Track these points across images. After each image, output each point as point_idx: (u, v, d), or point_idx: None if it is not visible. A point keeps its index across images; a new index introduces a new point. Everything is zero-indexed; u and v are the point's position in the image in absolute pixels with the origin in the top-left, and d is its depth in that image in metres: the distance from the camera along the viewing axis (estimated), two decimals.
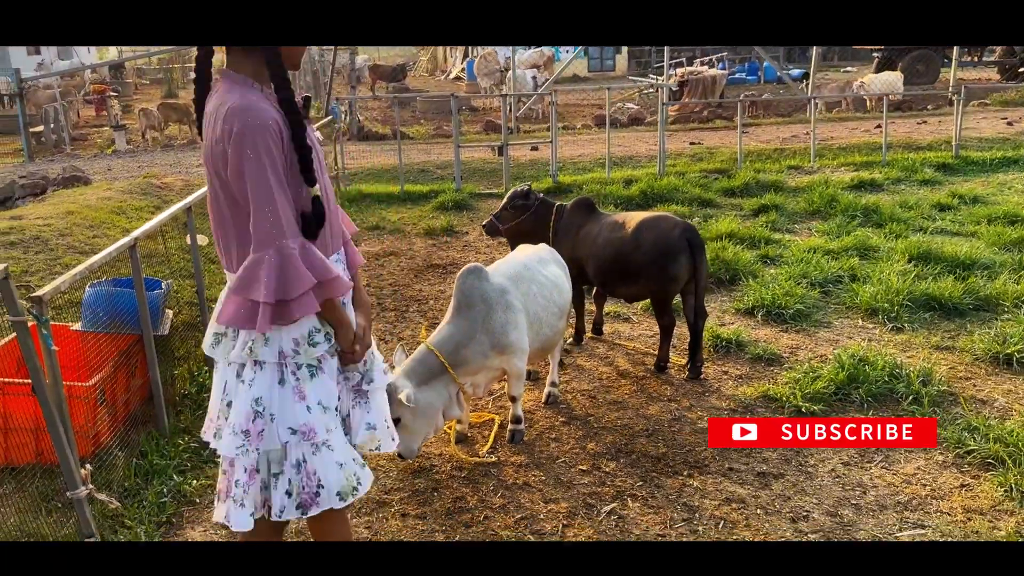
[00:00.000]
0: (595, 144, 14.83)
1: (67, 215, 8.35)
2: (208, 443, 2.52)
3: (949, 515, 3.64)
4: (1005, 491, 3.77)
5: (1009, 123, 15.35)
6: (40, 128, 18.19)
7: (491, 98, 22.23)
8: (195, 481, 4.03)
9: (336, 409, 2.45)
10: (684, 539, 3.52)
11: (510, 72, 20.62)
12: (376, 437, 2.60)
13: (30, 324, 3.10)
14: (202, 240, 5.66)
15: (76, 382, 4.08)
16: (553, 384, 4.90)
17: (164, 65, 32.36)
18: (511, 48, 21.61)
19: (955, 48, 20.51)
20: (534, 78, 22.67)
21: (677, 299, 5.25)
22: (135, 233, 4.21)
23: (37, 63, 32.33)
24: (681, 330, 5.37)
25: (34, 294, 3.13)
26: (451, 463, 4.20)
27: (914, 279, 6.38)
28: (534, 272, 4.51)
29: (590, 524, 3.65)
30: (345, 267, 2.54)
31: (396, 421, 3.99)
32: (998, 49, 24.16)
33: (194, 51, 2.46)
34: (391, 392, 3.87)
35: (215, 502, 2.52)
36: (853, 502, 3.78)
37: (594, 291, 5.80)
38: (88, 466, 3.36)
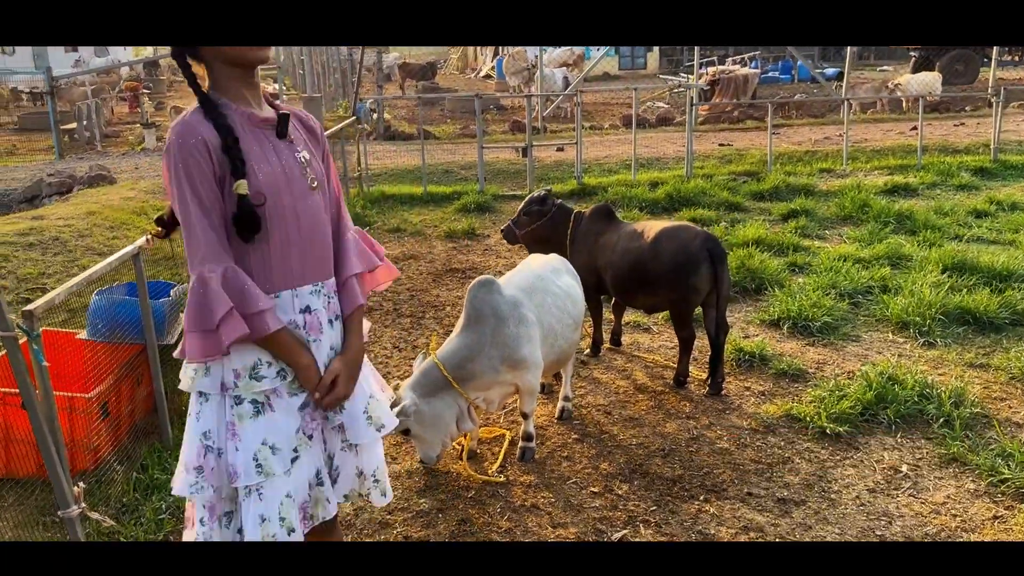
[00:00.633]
0: (622, 145, 14.63)
1: (88, 215, 8.34)
2: None
3: None
4: None
5: None
6: (73, 125, 18.37)
7: (518, 97, 22.07)
8: None
9: (295, 450, 2.21)
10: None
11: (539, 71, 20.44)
12: (365, 488, 2.39)
13: (22, 340, 3.02)
14: None
15: (78, 393, 4.00)
16: (566, 399, 4.74)
17: None
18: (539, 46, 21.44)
19: (995, 47, 19.99)
20: (565, 76, 22.45)
21: (698, 311, 5.07)
22: (139, 241, 4.12)
23: (74, 60, 32.85)
24: (702, 342, 5.19)
25: (25, 308, 3.04)
26: (458, 482, 4.07)
27: (948, 291, 6.14)
28: (548, 283, 4.36)
29: None
30: (327, 301, 2.29)
31: (406, 432, 3.90)
32: None
33: None
34: (395, 403, 3.76)
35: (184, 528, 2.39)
36: (878, 533, 3.58)
37: (612, 301, 5.64)
38: (81, 484, 3.27)
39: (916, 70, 21.47)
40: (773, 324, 6.00)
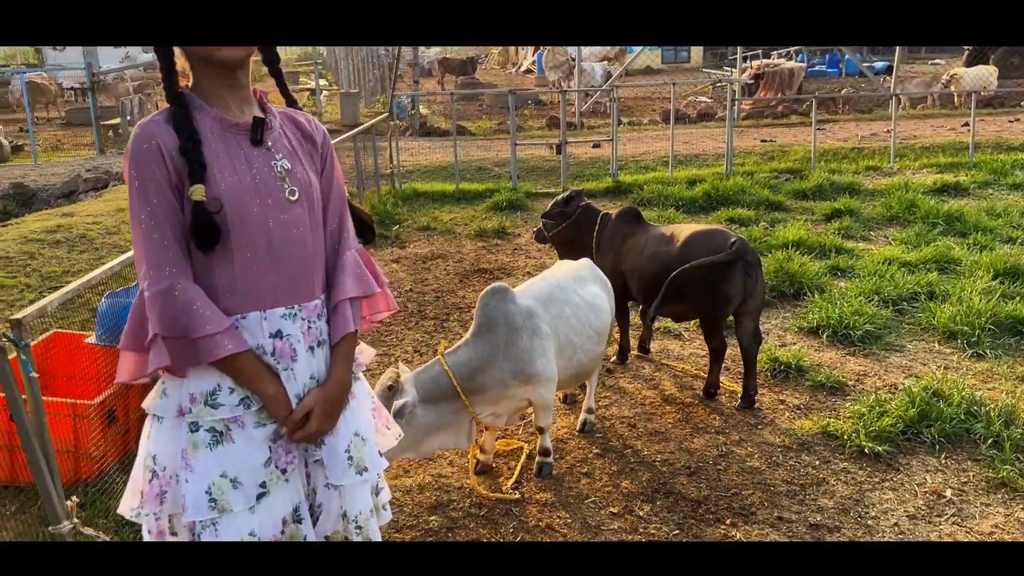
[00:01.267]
0: (660, 141, 14.30)
1: (118, 212, 8.34)
2: None
3: None
4: None
5: None
6: (117, 120, 18.57)
7: (556, 93, 21.83)
8: None
9: (262, 485, 1.98)
10: None
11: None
12: (350, 532, 2.13)
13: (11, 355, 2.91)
14: None
15: (81, 400, 3.90)
16: (589, 411, 4.53)
17: None
18: None
19: None
20: (606, 70, 22.11)
21: (731, 319, 4.82)
22: None
23: (123, 55, 33.30)
24: (735, 350, 4.93)
25: (13, 316, 2.92)
26: (471, 499, 3.88)
27: (999, 299, 5.79)
28: (568, 292, 4.14)
29: None
30: (306, 326, 2.06)
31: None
32: None
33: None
34: (394, 389, 3.49)
35: None
36: None
37: (640, 308, 5.40)
38: (74, 498, 3.16)
39: (970, 63, 20.70)
40: (812, 332, 5.72)
